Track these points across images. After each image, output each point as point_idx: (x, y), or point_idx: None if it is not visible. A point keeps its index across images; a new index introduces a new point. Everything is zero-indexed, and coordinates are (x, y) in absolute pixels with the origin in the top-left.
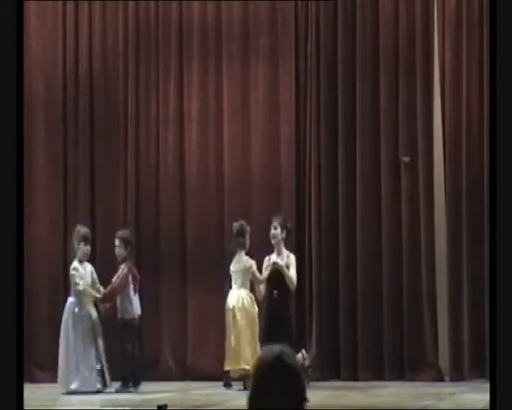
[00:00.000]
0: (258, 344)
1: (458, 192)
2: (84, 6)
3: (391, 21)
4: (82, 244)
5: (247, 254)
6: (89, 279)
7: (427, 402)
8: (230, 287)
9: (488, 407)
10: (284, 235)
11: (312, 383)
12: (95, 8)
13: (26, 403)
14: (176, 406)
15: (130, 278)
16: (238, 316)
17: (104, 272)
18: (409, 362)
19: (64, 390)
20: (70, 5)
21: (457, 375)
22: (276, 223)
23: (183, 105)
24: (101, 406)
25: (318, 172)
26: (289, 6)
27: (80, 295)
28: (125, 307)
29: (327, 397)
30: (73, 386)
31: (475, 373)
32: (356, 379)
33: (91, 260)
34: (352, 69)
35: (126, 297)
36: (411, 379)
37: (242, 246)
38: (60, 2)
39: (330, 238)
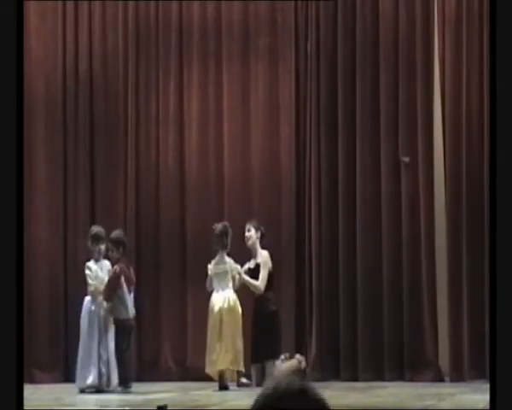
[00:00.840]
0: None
1: (458, 192)
2: (84, 6)
3: (391, 21)
4: (94, 244)
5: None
6: (105, 277)
7: (428, 402)
8: (212, 289)
9: (488, 407)
10: (259, 235)
11: (312, 384)
12: (95, 8)
13: (26, 403)
14: (176, 406)
15: (122, 279)
16: (228, 317)
17: None
18: (409, 362)
19: (79, 388)
20: (70, 5)
21: (457, 375)
22: (249, 226)
23: (183, 105)
24: (102, 406)
25: (318, 172)
26: (289, 6)
27: (93, 295)
28: (119, 308)
29: (327, 397)
30: (88, 382)
31: (475, 373)
32: (356, 380)
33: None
34: (352, 69)
35: (119, 298)
36: (411, 379)
37: (225, 247)
38: (60, 2)
39: (330, 238)
